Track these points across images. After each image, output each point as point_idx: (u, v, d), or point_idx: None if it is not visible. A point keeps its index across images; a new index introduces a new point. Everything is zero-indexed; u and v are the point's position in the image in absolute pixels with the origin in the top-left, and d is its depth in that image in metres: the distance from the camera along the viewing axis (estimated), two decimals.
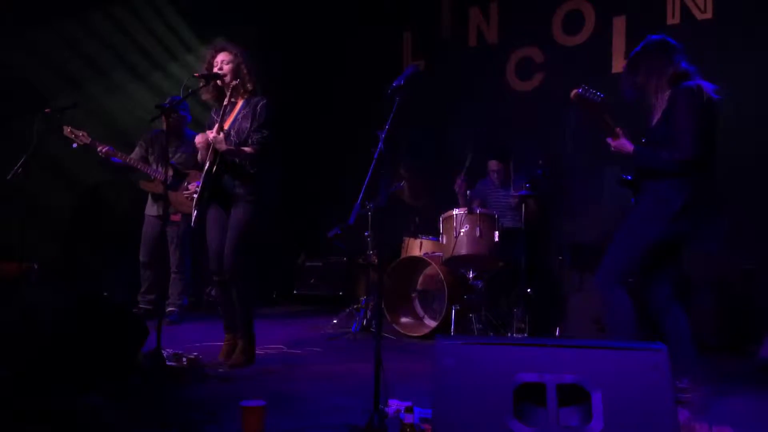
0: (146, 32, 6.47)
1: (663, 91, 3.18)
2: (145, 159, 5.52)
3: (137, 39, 6.39)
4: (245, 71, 3.98)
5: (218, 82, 3.95)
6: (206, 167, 3.88)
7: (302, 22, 7.73)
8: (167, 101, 5.52)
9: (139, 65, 6.42)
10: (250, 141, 3.91)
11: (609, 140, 3.27)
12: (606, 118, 3.23)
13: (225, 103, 3.95)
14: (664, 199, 3.12)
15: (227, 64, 3.95)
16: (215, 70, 3.95)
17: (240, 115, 3.95)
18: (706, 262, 5.35)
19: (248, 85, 4.00)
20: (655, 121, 3.23)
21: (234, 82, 3.94)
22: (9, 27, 5.44)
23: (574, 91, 3.18)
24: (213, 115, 4.08)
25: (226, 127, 3.91)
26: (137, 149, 5.55)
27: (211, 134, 3.81)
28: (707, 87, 3.11)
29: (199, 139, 3.93)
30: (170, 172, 5.29)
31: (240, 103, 4.02)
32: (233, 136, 3.91)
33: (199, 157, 4.03)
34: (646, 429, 1.96)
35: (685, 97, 3.08)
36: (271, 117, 3.96)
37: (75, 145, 5.10)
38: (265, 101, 3.97)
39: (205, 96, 4.06)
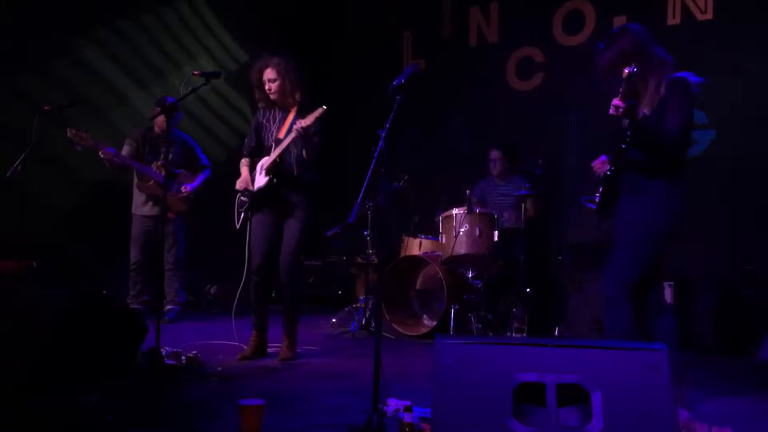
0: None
1: (657, 87, 3.00)
2: (136, 158, 5.47)
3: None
4: (289, 85, 4.14)
5: (262, 99, 4.17)
6: (266, 180, 4.07)
7: (302, 21, 7.72)
8: (161, 101, 5.52)
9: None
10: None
11: (617, 102, 2.87)
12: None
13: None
14: (666, 196, 3.01)
15: (274, 82, 4.11)
16: (266, 89, 4.12)
17: (294, 126, 4.04)
18: (706, 263, 5.36)
19: (296, 96, 4.18)
20: (644, 113, 3.01)
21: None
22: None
23: (627, 70, 2.90)
24: (261, 119, 4.24)
25: (281, 136, 4.11)
26: (126, 147, 5.48)
27: (301, 123, 3.90)
28: (693, 80, 3.01)
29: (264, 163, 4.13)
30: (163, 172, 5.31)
31: (292, 113, 4.19)
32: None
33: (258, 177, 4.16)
34: (645, 429, 1.95)
35: (681, 87, 2.97)
36: (322, 126, 4.10)
37: (79, 148, 5.05)
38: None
39: (261, 104, 4.25)
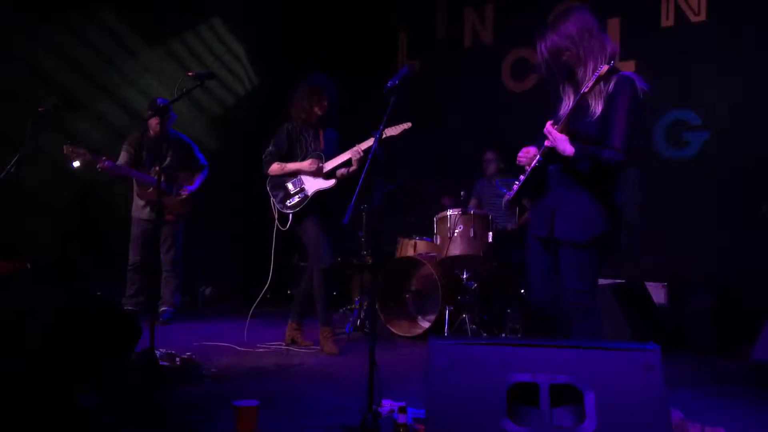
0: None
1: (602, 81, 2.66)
2: (134, 163, 5.47)
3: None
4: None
5: (306, 114, 4.55)
6: (320, 185, 4.49)
7: (298, 23, 7.73)
8: (153, 103, 5.48)
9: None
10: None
11: (551, 130, 2.71)
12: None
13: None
14: (603, 197, 2.75)
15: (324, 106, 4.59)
16: (314, 110, 4.54)
17: (327, 142, 4.64)
18: (701, 263, 5.38)
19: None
20: (595, 115, 2.71)
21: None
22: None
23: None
24: (295, 132, 4.59)
25: (322, 147, 4.60)
26: (124, 153, 5.46)
27: (356, 149, 4.41)
28: (640, 84, 2.70)
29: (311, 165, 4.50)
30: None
31: (321, 132, 4.64)
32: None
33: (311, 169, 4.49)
34: (638, 429, 1.96)
35: (630, 93, 2.65)
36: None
37: (77, 164, 5.01)
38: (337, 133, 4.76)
39: (301, 118, 4.60)
